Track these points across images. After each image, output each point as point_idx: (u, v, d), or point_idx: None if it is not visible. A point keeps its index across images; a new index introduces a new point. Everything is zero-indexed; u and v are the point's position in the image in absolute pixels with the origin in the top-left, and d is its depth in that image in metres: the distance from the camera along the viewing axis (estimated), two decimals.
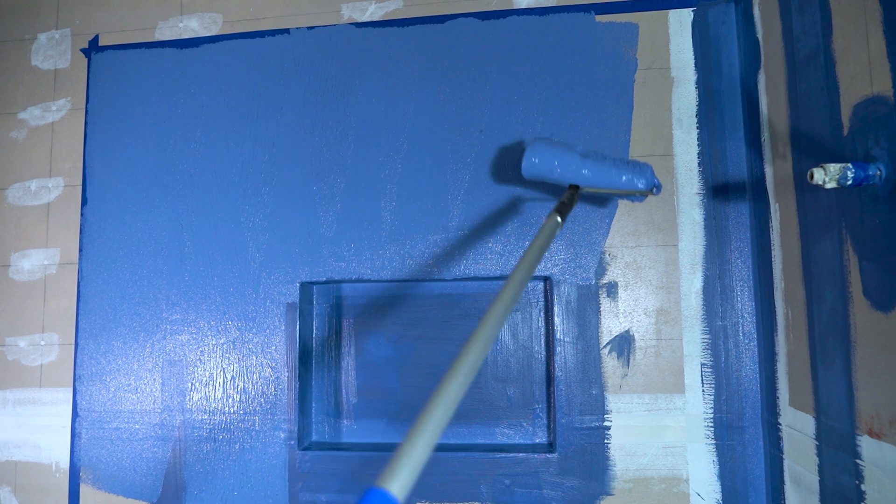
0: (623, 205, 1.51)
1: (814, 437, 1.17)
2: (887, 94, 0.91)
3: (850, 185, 0.93)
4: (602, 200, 1.51)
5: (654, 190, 1.34)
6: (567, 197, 1.18)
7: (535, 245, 0.95)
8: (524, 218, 1.53)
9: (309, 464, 1.54)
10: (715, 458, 1.43)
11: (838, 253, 1.06)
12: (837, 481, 1.08)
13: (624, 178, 1.32)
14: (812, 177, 0.94)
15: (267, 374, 1.58)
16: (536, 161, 1.35)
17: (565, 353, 1.49)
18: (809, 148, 1.16)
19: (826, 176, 0.93)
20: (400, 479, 0.52)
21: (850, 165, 0.92)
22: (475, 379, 1.57)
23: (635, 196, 1.36)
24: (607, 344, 1.49)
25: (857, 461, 1.01)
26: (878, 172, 0.92)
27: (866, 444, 0.99)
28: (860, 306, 1.00)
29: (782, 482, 1.31)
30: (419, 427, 0.58)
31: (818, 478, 1.15)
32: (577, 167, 1.32)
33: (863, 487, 1.00)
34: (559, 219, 1.07)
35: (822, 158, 1.10)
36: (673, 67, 1.53)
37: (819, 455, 1.15)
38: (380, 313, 1.63)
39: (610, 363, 1.48)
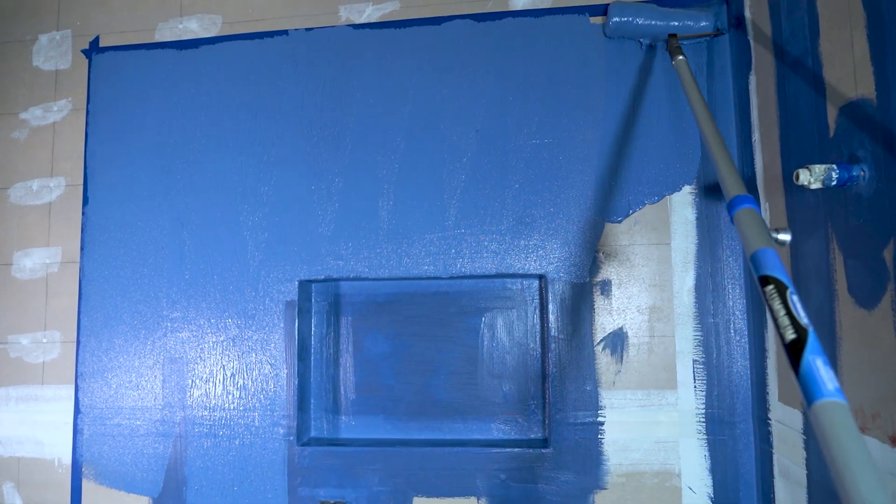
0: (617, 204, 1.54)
1: (802, 431, 1.19)
2: (871, 97, 0.93)
3: (834, 185, 0.96)
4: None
5: (722, 31, 1.51)
6: (674, 42, 1.44)
7: (687, 80, 1.23)
8: (520, 217, 1.55)
9: (308, 459, 1.56)
10: (706, 453, 1.45)
11: (824, 252, 1.08)
12: (824, 475, 1.11)
13: (701, 19, 1.50)
14: (797, 178, 0.96)
15: (266, 371, 1.61)
16: (627, 19, 1.50)
17: (560, 350, 1.52)
18: (797, 149, 1.19)
19: (811, 177, 0.95)
20: (738, 185, 0.85)
21: (834, 166, 0.95)
22: (471, 377, 1.59)
23: (709, 36, 1.53)
24: (601, 341, 1.51)
25: None
26: (862, 173, 0.95)
27: None
28: (845, 304, 1.02)
29: (772, 476, 1.34)
30: (717, 160, 0.94)
31: (806, 471, 1.18)
32: (660, 21, 1.49)
33: None
34: (682, 57, 1.35)
35: (810, 159, 1.12)
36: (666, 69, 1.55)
37: (807, 449, 1.18)
38: (377, 311, 1.66)
39: (603, 360, 1.51)
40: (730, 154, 0.95)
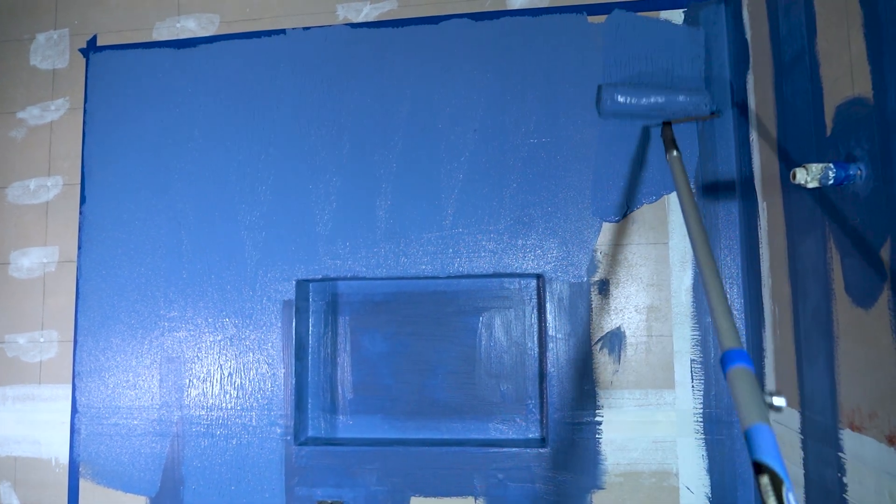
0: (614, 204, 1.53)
1: (799, 431, 1.19)
2: (867, 96, 0.93)
3: (831, 184, 0.96)
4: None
5: (718, 113, 1.48)
6: (669, 133, 1.39)
7: (681, 182, 1.16)
8: (517, 216, 1.55)
9: (305, 459, 1.56)
10: (704, 453, 1.45)
11: (822, 251, 1.08)
12: (821, 474, 1.11)
13: (695, 102, 1.45)
14: (794, 177, 0.96)
15: (264, 371, 1.61)
16: (620, 99, 1.47)
17: (557, 350, 1.52)
18: (795, 148, 1.18)
19: (808, 176, 0.95)
20: (732, 335, 0.80)
21: (831, 165, 0.95)
22: (469, 377, 1.59)
23: (703, 120, 1.50)
24: (599, 340, 1.51)
25: (840, 454, 1.04)
26: (859, 172, 0.95)
27: (848, 438, 1.01)
28: (842, 303, 1.02)
29: None
30: (713, 306, 0.86)
31: (803, 471, 1.18)
32: (654, 100, 1.46)
33: (845, 480, 1.02)
34: (676, 152, 1.29)
35: (807, 158, 1.12)
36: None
37: (804, 449, 1.17)
38: (375, 310, 1.66)
39: (601, 359, 1.50)
40: (726, 293, 0.88)
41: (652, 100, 1.46)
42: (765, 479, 0.60)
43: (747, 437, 0.65)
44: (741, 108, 1.45)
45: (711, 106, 1.47)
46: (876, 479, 0.93)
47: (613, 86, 1.49)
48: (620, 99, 1.47)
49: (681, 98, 1.46)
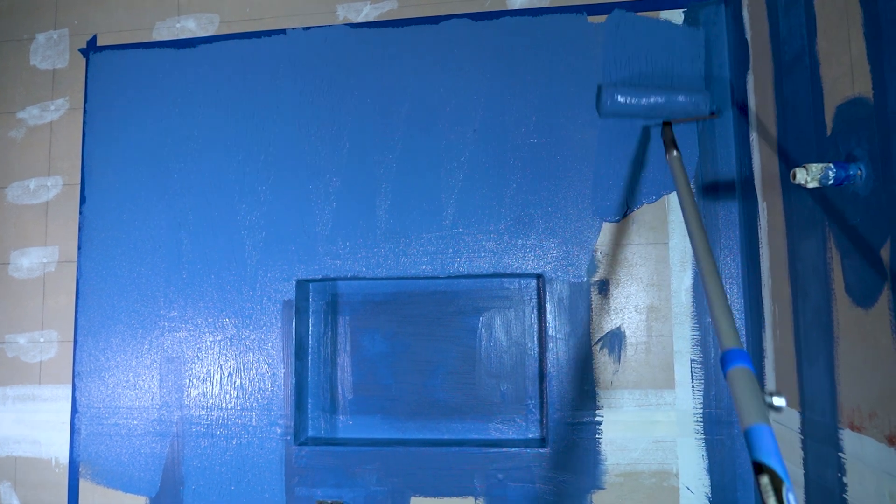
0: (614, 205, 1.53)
1: (799, 431, 1.19)
2: (867, 96, 0.93)
3: (831, 184, 0.96)
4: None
5: (718, 112, 1.49)
6: (669, 133, 1.39)
7: (681, 182, 1.17)
8: (517, 216, 1.55)
9: (305, 459, 1.56)
10: (704, 453, 1.45)
11: (822, 251, 1.08)
12: (821, 474, 1.11)
13: (695, 102, 1.45)
14: (794, 177, 0.96)
15: (264, 371, 1.60)
16: (620, 99, 1.46)
17: (557, 350, 1.51)
18: (795, 148, 1.19)
19: (808, 176, 0.95)
20: (732, 335, 0.81)
21: (831, 165, 0.95)
22: (469, 377, 1.59)
23: (703, 119, 1.50)
24: (599, 340, 1.51)
25: (840, 454, 1.04)
26: (859, 172, 0.95)
27: (848, 438, 1.01)
28: (842, 303, 1.02)
29: None
30: (713, 305, 0.86)
31: (803, 471, 1.18)
32: (654, 100, 1.45)
33: (845, 480, 1.02)
34: (676, 152, 1.29)
35: (807, 158, 1.12)
36: None
37: (804, 449, 1.17)
38: (375, 310, 1.66)
39: (601, 359, 1.50)
40: (725, 293, 0.89)
41: (652, 100, 1.45)
42: (765, 480, 0.60)
43: (747, 436, 0.65)
44: (741, 107, 1.45)
45: (711, 106, 1.47)
46: (876, 479, 0.93)
47: (613, 86, 1.48)
48: (620, 99, 1.46)
49: (681, 98, 1.45)
